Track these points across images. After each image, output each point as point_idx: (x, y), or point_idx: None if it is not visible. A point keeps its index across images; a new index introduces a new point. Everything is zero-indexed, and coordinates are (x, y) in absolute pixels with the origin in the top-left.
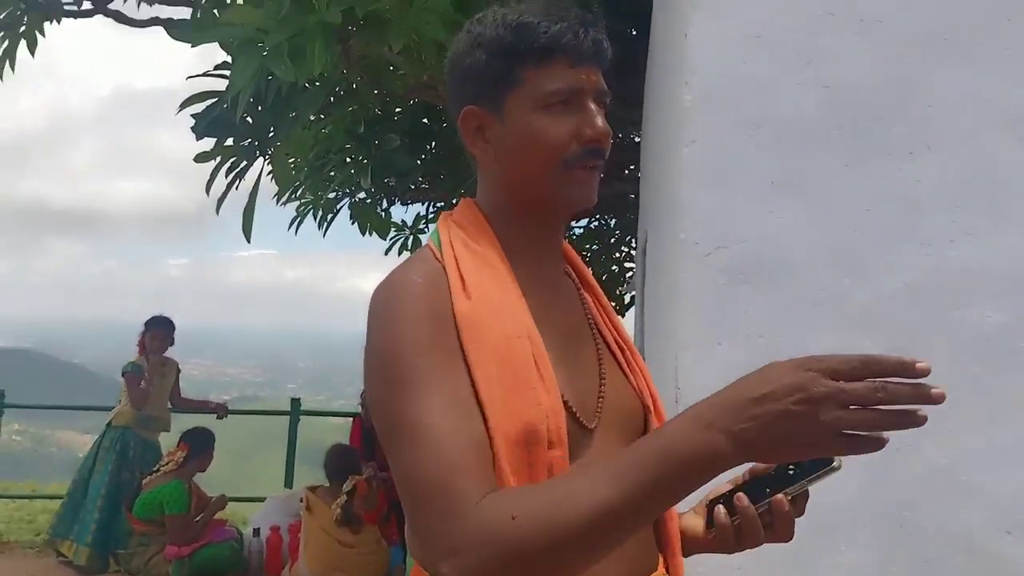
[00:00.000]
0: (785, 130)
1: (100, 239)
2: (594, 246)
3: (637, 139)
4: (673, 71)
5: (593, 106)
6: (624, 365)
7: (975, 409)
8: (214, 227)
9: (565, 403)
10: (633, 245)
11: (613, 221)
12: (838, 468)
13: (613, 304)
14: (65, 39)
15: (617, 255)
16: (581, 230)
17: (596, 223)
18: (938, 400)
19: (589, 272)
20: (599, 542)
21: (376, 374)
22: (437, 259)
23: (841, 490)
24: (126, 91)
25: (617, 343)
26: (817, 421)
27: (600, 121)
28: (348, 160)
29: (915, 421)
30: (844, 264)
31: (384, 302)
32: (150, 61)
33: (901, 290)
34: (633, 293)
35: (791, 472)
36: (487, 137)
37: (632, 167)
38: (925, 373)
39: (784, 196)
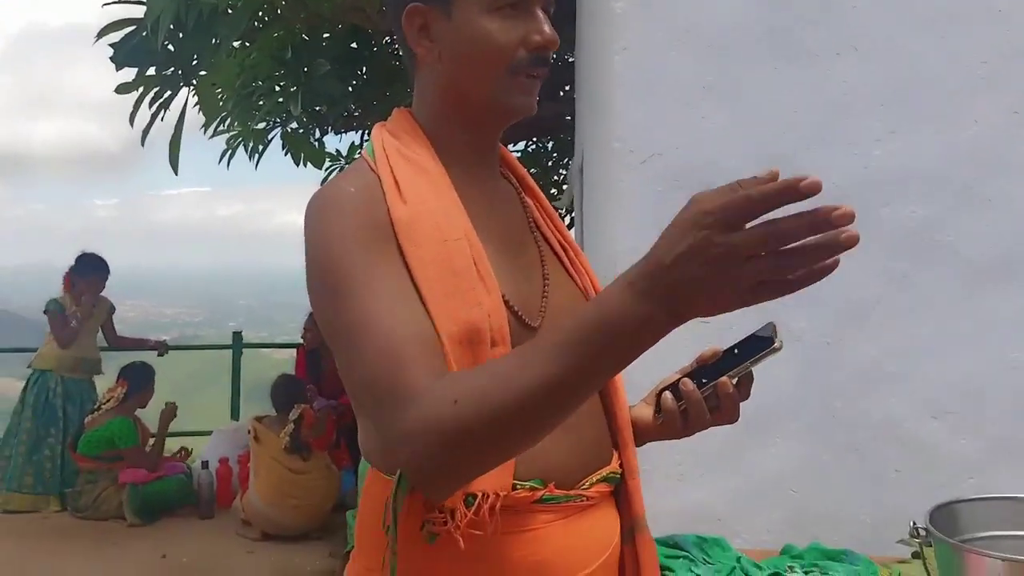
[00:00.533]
0: (715, 36)
1: (22, 182)
2: (532, 170)
3: (571, 59)
4: None
5: (540, 13)
6: (568, 266)
7: (902, 302)
8: (142, 166)
9: (507, 302)
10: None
11: (550, 143)
12: (779, 348)
13: None
14: None
15: (556, 178)
16: (519, 154)
17: (533, 146)
18: (844, 221)
19: (529, 176)
20: (543, 417)
21: (317, 283)
22: (372, 169)
23: (773, 384)
24: (38, 29)
25: (561, 245)
26: (725, 281)
27: (548, 28)
28: (277, 88)
29: (829, 251)
30: (773, 166)
31: (318, 211)
32: None
33: (830, 189)
34: (565, 210)
35: (735, 354)
36: (431, 35)
37: (567, 88)
38: (815, 189)
39: (715, 102)
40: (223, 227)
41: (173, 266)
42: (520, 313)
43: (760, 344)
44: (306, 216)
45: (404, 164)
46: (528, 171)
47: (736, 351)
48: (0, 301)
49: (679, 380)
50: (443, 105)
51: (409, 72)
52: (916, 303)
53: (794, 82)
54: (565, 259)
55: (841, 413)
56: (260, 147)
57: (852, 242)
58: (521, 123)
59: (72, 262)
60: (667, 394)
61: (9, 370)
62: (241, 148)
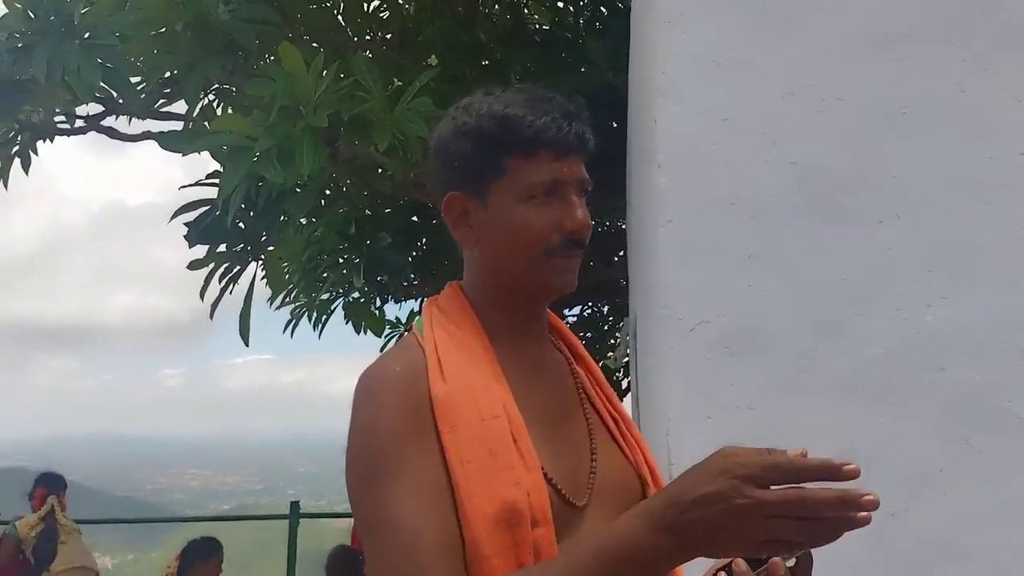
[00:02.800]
0: (757, 206)
1: (94, 353)
2: (588, 334)
3: (623, 226)
4: (647, 156)
5: (574, 197)
6: (619, 438)
7: (964, 471)
8: (209, 336)
9: (549, 480)
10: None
11: (606, 308)
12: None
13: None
14: (55, 158)
15: (611, 341)
16: (575, 318)
17: (589, 310)
18: (870, 507)
19: (581, 345)
20: None
21: (350, 463)
22: (419, 344)
23: (843, 561)
24: (117, 207)
25: (611, 415)
26: (741, 530)
27: (581, 213)
28: (340, 261)
29: (843, 527)
30: (822, 332)
31: (362, 392)
32: (138, 178)
33: (881, 355)
34: (620, 374)
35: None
36: (470, 222)
37: (621, 253)
38: (853, 476)
39: (760, 269)
40: (286, 393)
41: (236, 434)
42: (564, 491)
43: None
44: (354, 394)
45: (447, 340)
46: (583, 335)
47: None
48: (64, 470)
49: (731, 562)
50: (487, 285)
51: (459, 250)
52: (980, 470)
53: (837, 249)
54: (616, 431)
55: None
56: (323, 317)
57: (866, 522)
58: (580, 288)
59: (39, 475)
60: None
61: None
62: (305, 318)
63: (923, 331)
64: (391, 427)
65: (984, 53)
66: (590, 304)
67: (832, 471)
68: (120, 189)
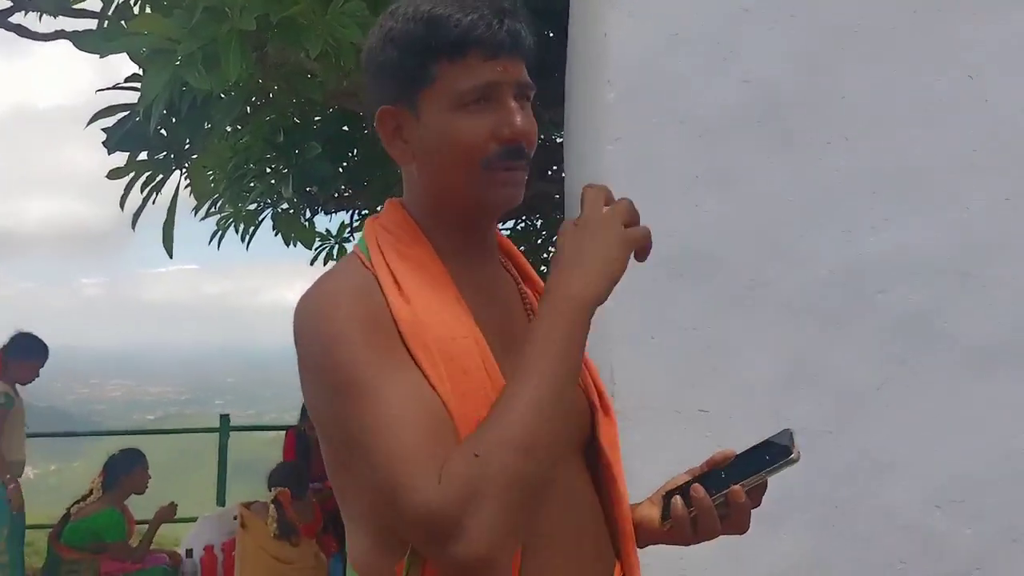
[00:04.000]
0: (707, 125)
1: (11, 261)
2: (521, 248)
3: (559, 139)
4: (594, 70)
5: (514, 102)
6: None
7: (900, 389)
8: (131, 245)
9: None
10: None
11: (539, 222)
12: (796, 460)
13: None
14: None
15: (544, 255)
16: (508, 232)
17: (522, 224)
18: None
19: (529, 265)
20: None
21: (319, 387)
22: (366, 266)
23: (779, 477)
24: (27, 109)
25: None
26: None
27: (519, 118)
28: (268, 170)
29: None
30: (770, 253)
31: (315, 312)
32: (49, 79)
33: (826, 276)
34: None
35: (748, 460)
36: (405, 137)
37: (556, 167)
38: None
39: (709, 189)
40: (211, 305)
41: (159, 345)
42: None
43: (776, 453)
44: (299, 318)
45: (401, 261)
46: (518, 248)
47: (750, 456)
48: None
49: (689, 484)
50: (429, 203)
51: (396, 167)
52: (916, 390)
53: (786, 170)
54: None
55: (845, 504)
56: (251, 228)
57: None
58: None
59: (5, 340)
60: (677, 499)
61: None
62: (232, 229)
63: (866, 253)
64: (357, 339)
65: None
66: (524, 218)
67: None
68: (30, 90)
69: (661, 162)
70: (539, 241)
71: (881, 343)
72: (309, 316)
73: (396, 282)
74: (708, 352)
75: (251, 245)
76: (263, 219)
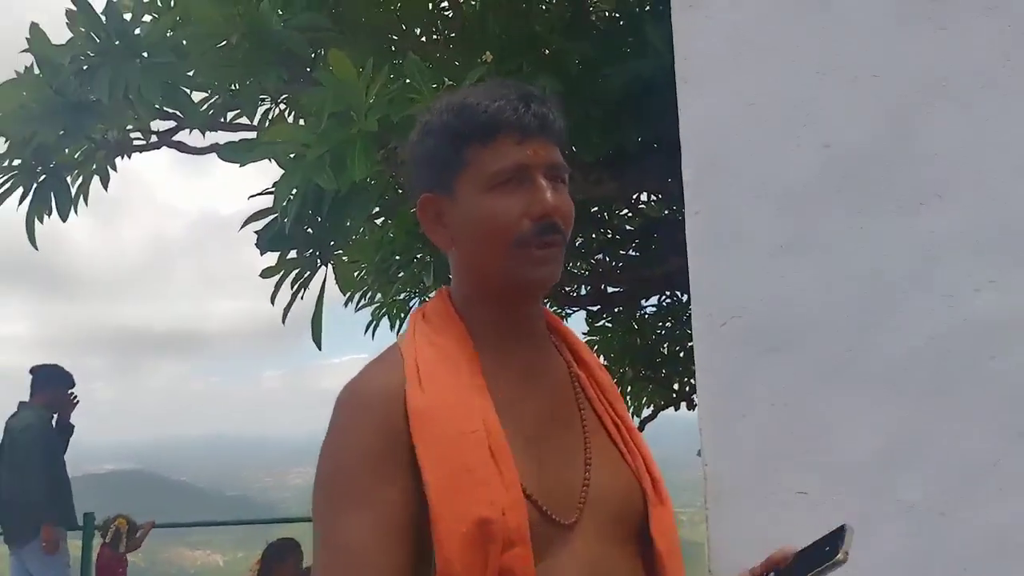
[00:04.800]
0: (788, 193)
1: (200, 357)
2: (666, 323)
3: None
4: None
5: (544, 181)
6: (621, 446)
7: (1020, 468)
8: (305, 338)
9: (531, 499)
10: None
11: (685, 296)
12: (841, 562)
13: (691, 381)
14: (153, 172)
15: (691, 330)
16: (654, 308)
17: (668, 300)
18: None
19: (584, 347)
20: None
21: (318, 483)
22: (401, 357)
23: (888, 561)
24: (212, 216)
25: (614, 422)
26: None
27: (549, 195)
28: (414, 260)
29: None
30: (863, 322)
31: (339, 409)
32: (230, 188)
33: (926, 344)
34: None
35: (806, 558)
36: (445, 222)
37: None
38: None
39: (794, 259)
40: None
41: None
42: (546, 509)
43: (825, 554)
44: (334, 406)
45: (428, 350)
46: (664, 324)
47: (809, 554)
48: (175, 472)
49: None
50: (469, 286)
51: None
52: None
53: (876, 234)
54: (618, 438)
55: None
56: (401, 315)
57: None
58: (652, 278)
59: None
60: None
61: (183, 539)
62: (385, 318)
63: (970, 318)
64: (361, 452)
65: None
66: (667, 294)
67: None
68: (214, 199)
69: (743, 233)
70: (685, 317)
71: (996, 413)
72: (337, 412)
73: (418, 372)
74: (803, 429)
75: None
76: (412, 307)
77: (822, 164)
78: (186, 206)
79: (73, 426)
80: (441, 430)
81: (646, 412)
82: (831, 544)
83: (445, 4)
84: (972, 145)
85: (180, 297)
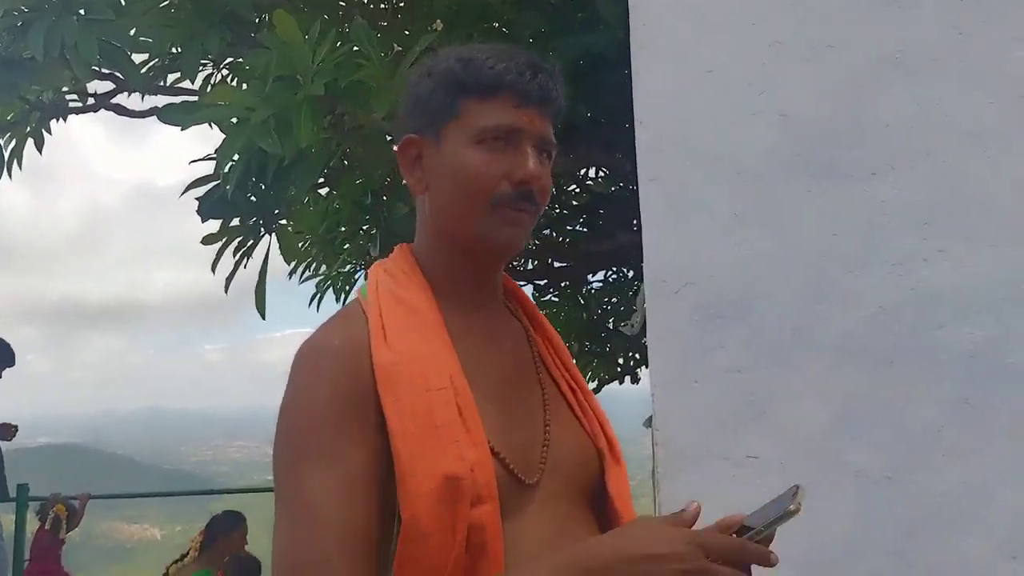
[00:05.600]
0: (744, 162)
1: (137, 330)
2: (614, 298)
3: None
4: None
5: (531, 150)
6: (577, 409)
7: (966, 432)
8: (247, 310)
9: (499, 457)
10: None
11: (631, 273)
12: (794, 512)
13: (635, 355)
14: (87, 139)
15: (636, 306)
16: (600, 283)
17: (612, 276)
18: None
19: (538, 311)
20: None
21: (279, 440)
22: (363, 312)
23: (837, 524)
24: (148, 186)
25: (570, 386)
26: None
27: (533, 164)
28: (359, 231)
29: None
30: (815, 292)
31: (301, 365)
32: (168, 156)
33: (876, 314)
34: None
35: (755, 523)
36: (424, 167)
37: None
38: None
39: (748, 228)
40: None
41: (277, 407)
42: (513, 467)
43: (780, 508)
44: (292, 364)
45: (394, 306)
46: (609, 300)
47: (756, 517)
48: (112, 446)
49: None
50: (435, 238)
51: (413, 204)
52: (982, 430)
53: (830, 204)
54: (574, 402)
55: (909, 554)
56: (347, 288)
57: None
58: (599, 253)
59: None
60: None
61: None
62: (330, 290)
63: (920, 288)
64: (322, 409)
65: None
66: (613, 270)
67: (765, 559)
68: (150, 168)
69: (699, 202)
70: (632, 293)
71: (941, 382)
72: (296, 368)
73: (384, 328)
74: (755, 396)
75: None
76: (357, 279)
77: (777, 134)
78: (122, 175)
79: None
80: (409, 385)
81: (591, 386)
82: (783, 502)
83: None
84: (923, 117)
85: (117, 268)
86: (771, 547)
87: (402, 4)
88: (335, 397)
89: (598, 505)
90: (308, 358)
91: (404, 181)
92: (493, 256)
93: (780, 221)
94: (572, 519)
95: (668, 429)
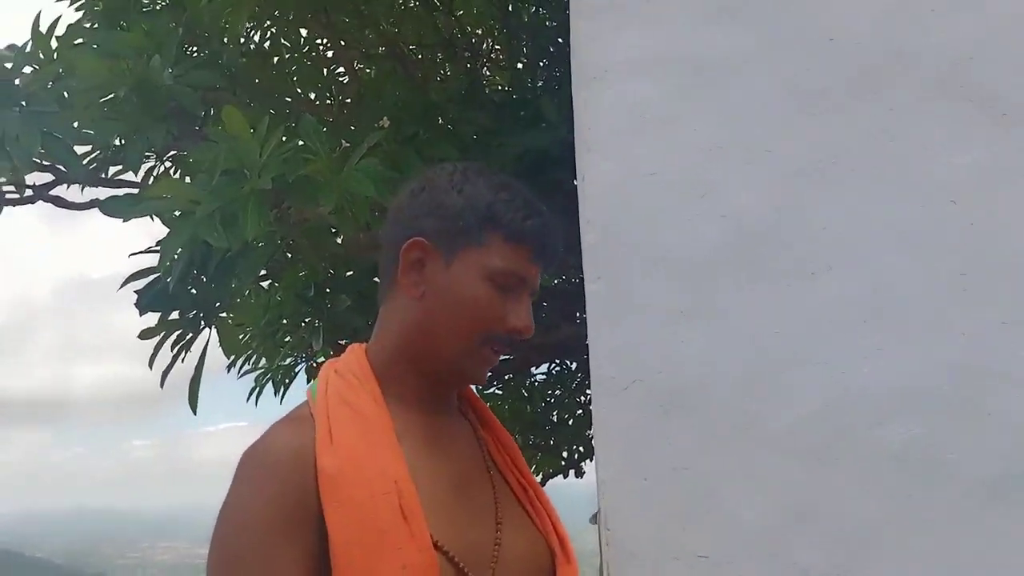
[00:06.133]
0: (687, 261)
1: (64, 427)
2: (556, 391)
3: None
4: (581, 213)
5: (527, 301)
6: (528, 507)
7: (908, 525)
8: (179, 405)
9: (448, 556)
10: None
11: (574, 365)
12: None
13: (580, 448)
14: (16, 231)
15: (580, 399)
16: (543, 376)
17: (556, 369)
18: None
19: (488, 411)
20: None
21: (215, 546)
22: (311, 415)
23: None
24: (79, 280)
25: (520, 484)
26: None
27: (529, 317)
28: (302, 324)
29: None
30: (757, 388)
31: (243, 469)
32: (102, 248)
33: (817, 411)
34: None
35: None
36: (425, 275)
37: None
38: None
39: (691, 325)
40: None
41: (211, 506)
42: (463, 567)
43: None
44: (237, 468)
45: (340, 408)
46: (553, 392)
47: None
48: (33, 548)
49: None
50: (401, 346)
51: (380, 299)
52: (922, 525)
53: (771, 303)
54: (525, 500)
55: None
56: (287, 381)
57: None
58: (543, 346)
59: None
60: None
61: None
62: (269, 384)
63: (860, 385)
64: (262, 519)
65: (910, 103)
66: (557, 362)
67: None
68: (83, 260)
69: (643, 300)
70: (575, 385)
71: (882, 478)
72: (240, 472)
73: (330, 433)
74: (702, 493)
75: (289, 398)
76: (298, 372)
77: (718, 234)
78: (53, 268)
79: None
80: (352, 492)
81: (536, 479)
82: None
83: (341, 70)
84: (860, 219)
85: (43, 362)
86: None
87: (348, 101)
88: (273, 510)
89: None
90: (250, 465)
91: (398, 279)
92: (456, 383)
93: (721, 318)
94: None
95: (617, 528)
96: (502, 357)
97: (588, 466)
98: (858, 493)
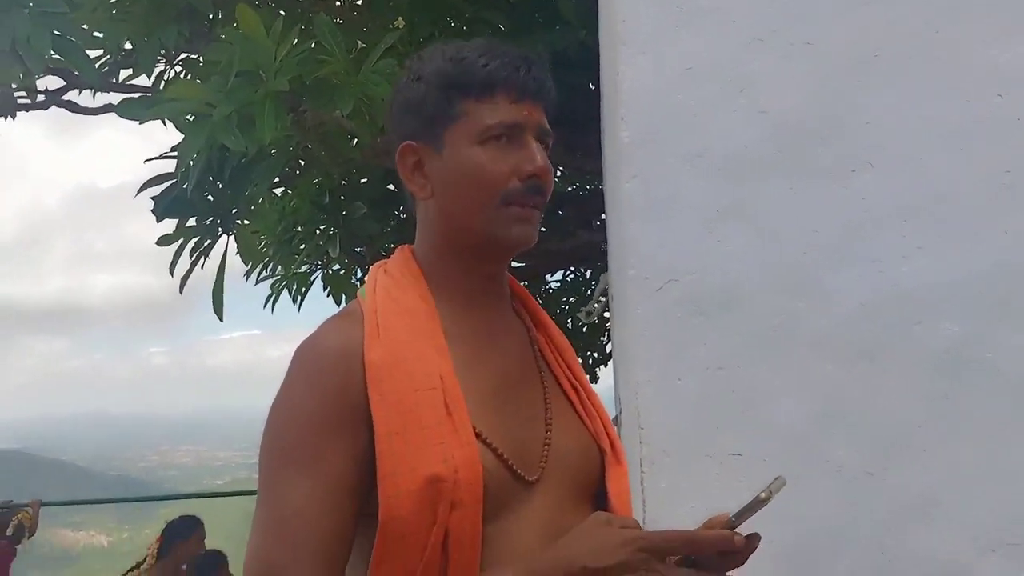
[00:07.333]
0: (725, 159)
1: (80, 334)
2: (571, 299)
3: (602, 188)
4: (612, 110)
5: (534, 143)
6: (579, 408)
7: (945, 427)
8: (196, 313)
9: (498, 453)
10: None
11: (588, 272)
12: (764, 500)
13: (594, 354)
14: (28, 139)
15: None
16: (557, 284)
17: (571, 276)
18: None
19: (542, 311)
20: None
21: (267, 439)
22: (361, 311)
23: (819, 519)
24: (89, 189)
25: (572, 385)
26: None
27: (540, 157)
28: (317, 232)
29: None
30: (796, 288)
31: (294, 368)
32: (110, 155)
33: (856, 310)
34: (604, 338)
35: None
36: (425, 172)
37: (602, 217)
38: (745, 548)
39: (730, 225)
40: (274, 368)
41: (226, 409)
42: (512, 464)
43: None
44: (290, 362)
45: (389, 304)
46: (566, 300)
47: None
48: (55, 451)
49: None
50: (440, 240)
51: (412, 210)
52: (961, 426)
53: (810, 201)
54: (576, 401)
55: (892, 549)
56: (303, 289)
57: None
58: (558, 252)
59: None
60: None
61: (64, 520)
62: (285, 291)
63: (899, 284)
64: (312, 413)
65: None
66: (572, 269)
67: (727, 542)
68: (92, 171)
69: (680, 199)
70: (588, 292)
71: (920, 378)
72: (293, 365)
73: (378, 328)
74: (737, 393)
75: (306, 307)
76: (314, 280)
77: (758, 130)
78: (62, 177)
79: None
80: (395, 384)
81: None
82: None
83: None
84: (903, 114)
85: (57, 272)
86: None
87: (359, 2)
88: (322, 404)
89: (598, 504)
90: (302, 360)
91: (407, 188)
92: (504, 253)
93: (760, 217)
94: (569, 517)
95: (651, 427)
96: (533, 216)
97: (602, 371)
98: (895, 393)
